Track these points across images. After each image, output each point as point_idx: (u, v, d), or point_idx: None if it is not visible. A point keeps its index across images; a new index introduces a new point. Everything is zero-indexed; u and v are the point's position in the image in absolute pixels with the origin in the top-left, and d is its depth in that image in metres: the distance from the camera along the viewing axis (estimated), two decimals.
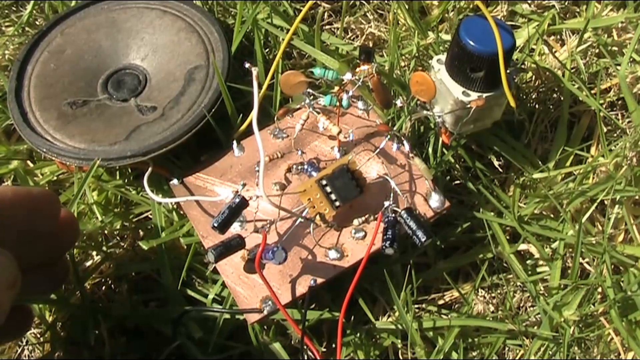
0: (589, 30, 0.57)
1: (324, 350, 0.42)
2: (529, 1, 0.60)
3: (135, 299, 0.48)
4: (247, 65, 0.45)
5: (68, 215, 0.43)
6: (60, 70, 0.53)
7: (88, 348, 0.45)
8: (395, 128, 0.49)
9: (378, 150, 0.47)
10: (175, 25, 0.54)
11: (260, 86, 0.47)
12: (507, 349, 0.47)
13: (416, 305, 0.47)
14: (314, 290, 0.43)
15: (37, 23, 0.61)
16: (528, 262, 0.50)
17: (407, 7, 0.56)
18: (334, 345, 0.42)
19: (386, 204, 0.44)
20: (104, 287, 0.48)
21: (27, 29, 0.60)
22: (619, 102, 0.56)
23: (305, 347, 0.42)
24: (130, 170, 0.52)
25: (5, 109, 0.53)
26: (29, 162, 0.53)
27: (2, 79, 0.55)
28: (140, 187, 0.51)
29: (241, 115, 0.50)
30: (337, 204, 0.43)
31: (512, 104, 0.44)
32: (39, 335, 0.47)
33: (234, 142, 0.49)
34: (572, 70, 0.56)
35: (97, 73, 0.53)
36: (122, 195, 0.51)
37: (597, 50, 0.58)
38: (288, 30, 0.55)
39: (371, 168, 0.47)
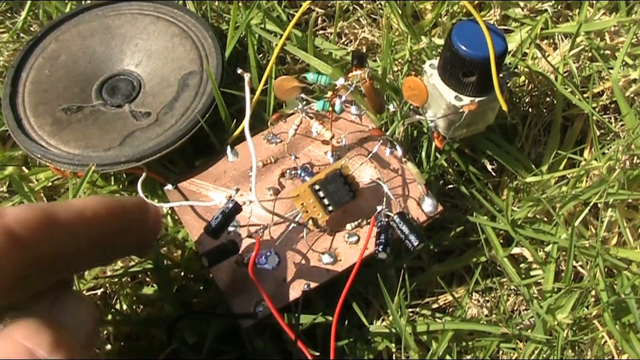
0: (581, 34, 0.57)
1: (318, 354, 0.42)
2: (522, 5, 0.60)
3: (129, 304, 0.48)
4: (239, 71, 0.45)
5: (153, 211, 0.42)
6: (54, 76, 0.53)
7: None
8: (388, 133, 0.50)
9: (371, 154, 0.47)
10: (169, 31, 0.55)
11: (253, 91, 0.47)
12: (500, 352, 0.47)
13: (410, 309, 0.48)
14: (308, 294, 0.43)
15: (31, 29, 0.61)
16: (521, 265, 0.50)
17: (400, 11, 0.57)
18: (328, 349, 0.42)
19: (379, 208, 0.44)
20: (99, 292, 0.48)
21: (21, 35, 0.60)
22: (612, 105, 0.57)
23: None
24: (124, 176, 0.52)
25: (0, 116, 0.53)
26: (24, 168, 0.53)
27: None
28: (135, 192, 0.51)
29: (235, 120, 0.50)
30: (330, 208, 0.44)
31: (504, 107, 0.44)
32: None
33: (228, 147, 0.49)
34: (565, 74, 0.56)
35: (92, 79, 0.53)
36: None
37: (589, 54, 0.58)
38: (281, 35, 0.56)
39: (364, 173, 0.48)
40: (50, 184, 0.52)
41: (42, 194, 0.52)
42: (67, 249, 0.35)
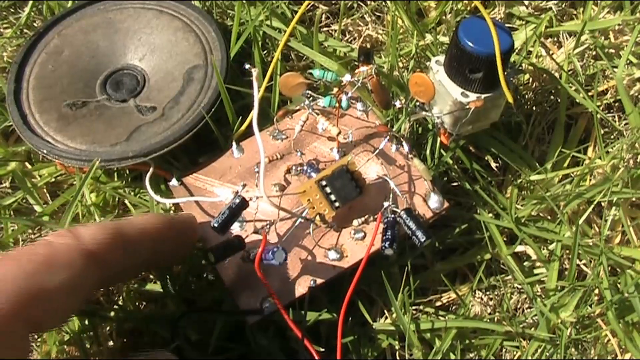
0: (586, 32, 0.57)
1: (322, 350, 0.42)
2: (526, 3, 0.60)
3: (133, 301, 0.47)
4: (247, 66, 0.45)
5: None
6: (58, 71, 0.53)
7: (85, 350, 0.45)
8: (394, 129, 0.50)
9: (377, 151, 0.47)
10: (172, 24, 0.54)
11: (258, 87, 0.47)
12: (504, 350, 0.47)
13: (413, 307, 0.47)
14: (314, 290, 0.43)
15: (35, 25, 0.61)
16: (525, 263, 0.50)
17: (404, 8, 0.57)
18: (331, 347, 0.42)
19: (385, 204, 0.44)
20: (101, 289, 0.48)
21: (25, 30, 0.60)
22: (616, 104, 0.57)
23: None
24: (128, 172, 0.52)
25: (4, 111, 0.53)
26: (27, 163, 0.53)
27: (0, 81, 0.55)
28: (138, 189, 0.51)
29: (240, 117, 0.50)
30: (337, 204, 0.44)
31: (510, 100, 0.44)
32: (36, 337, 0.47)
33: (234, 143, 0.49)
34: (570, 73, 0.56)
35: (96, 74, 0.53)
36: (120, 197, 0.51)
37: (594, 53, 0.58)
38: (286, 32, 0.56)
39: (370, 169, 0.47)
40: (53, 179, 0.52)
41: (45, 190, 0.52)
42: (130, 264, 0.37)
